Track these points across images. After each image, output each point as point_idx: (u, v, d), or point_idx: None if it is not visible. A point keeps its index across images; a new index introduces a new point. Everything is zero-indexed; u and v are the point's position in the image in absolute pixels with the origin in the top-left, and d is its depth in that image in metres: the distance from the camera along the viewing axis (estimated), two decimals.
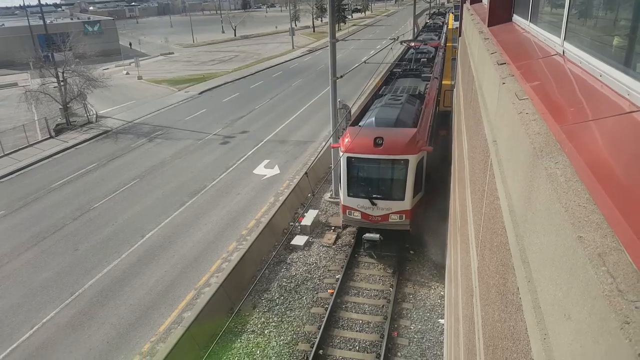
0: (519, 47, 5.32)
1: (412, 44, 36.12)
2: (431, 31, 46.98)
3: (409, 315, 13.15)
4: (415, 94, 19.46)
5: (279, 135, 29.24)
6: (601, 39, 3.11)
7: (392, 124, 15.49)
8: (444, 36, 43.60)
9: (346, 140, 14.97)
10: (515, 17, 6.96)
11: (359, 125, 15.84)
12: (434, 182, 17.31)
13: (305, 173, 18.42)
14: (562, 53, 3.71)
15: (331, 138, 17.92)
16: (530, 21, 5.52)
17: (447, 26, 53.71)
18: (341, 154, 14.88)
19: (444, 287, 13.79)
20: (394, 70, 25.85)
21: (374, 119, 15.97)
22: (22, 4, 63.48)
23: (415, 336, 12.39)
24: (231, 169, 24.00)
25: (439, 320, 12.87)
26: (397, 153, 14.31)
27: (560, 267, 1.75)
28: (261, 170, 23.62)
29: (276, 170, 23.42)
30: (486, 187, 4.60)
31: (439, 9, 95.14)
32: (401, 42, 27.07)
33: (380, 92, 20.62)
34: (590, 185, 1.78)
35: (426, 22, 62.60)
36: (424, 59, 27.08)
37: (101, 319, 13.55)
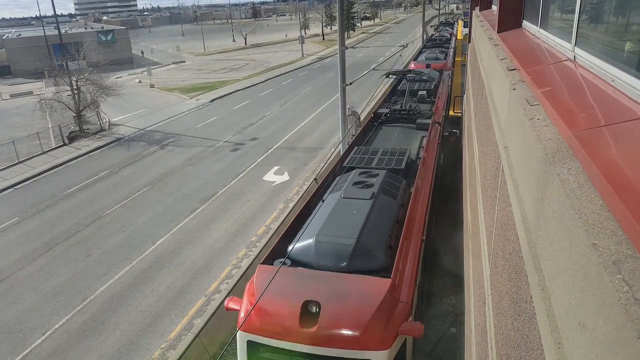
0: (529, 53, 5.29)
1: (412, 65, 28.48)
2: (436, 46, 37.77)
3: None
4: (399, 167, 11.45)
5: (288, 142, 29.31)
6: (613, 44, 3.09)
7: (344, 261, 7.69)
8: (451, 52, 35.75)
9: (246, 303, 7.45)
10: (525, 23, 6.94)
11: (280, 261, 7.85)
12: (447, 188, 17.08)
13: (315, 179, 18.41)
14: (573, 58, 3.68)
15: (340, 145, 17.82)
16: (540, 27, 5.50)
17: (456, 37, 47.06)
18: (238, 330, 7.25)
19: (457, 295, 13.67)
20: (378, 111, 17.45)
21: (312, 243, 8.01)
22: (38, 15, 64.61)
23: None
24: (241, 175, 24.08)
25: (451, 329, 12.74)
26: (348, 344, 6.75)
27: (574, 275, 1.73)
28: (271, 176, 23.67)
29: (286, 177, 23.45)
30: (498, 193, 4.56)
31: (446, 18, 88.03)
32: (388, 75, 20.23)
33: (345, 163, 12.20)
34: (604, 192, 1.75)
35: (431, 35, 51.56)
36: (422, 91, 19.54)
37: (112, 326, 13.61)
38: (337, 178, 11.36)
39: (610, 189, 1.67)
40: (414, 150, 13.29)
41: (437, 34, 49.27)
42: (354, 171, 11.05)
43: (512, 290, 3.20)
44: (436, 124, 15.63)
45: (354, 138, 15.46)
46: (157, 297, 14.69)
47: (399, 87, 21.00)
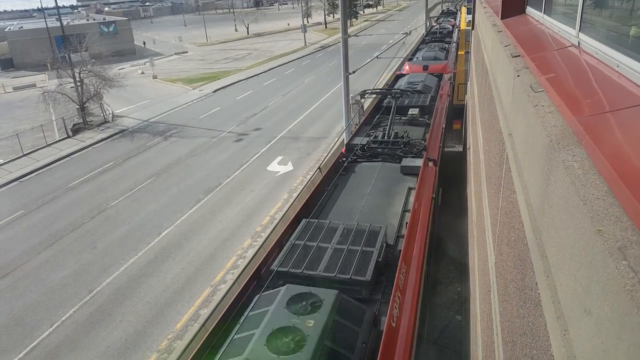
0: (533, 40, 5.25)
1: (406, 67, 23.30)
2: (436, 41, 31.64)
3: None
4: (363, 278, 6.52)
5: (292, 132, 29.28)
6: (617, 30, 3.06)
7: None
8: (454, 47, 29.87)
9: None
10: (529, 9, 6.88)
11: None
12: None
13: (319, 168, 18.41)
14: (577, 44, 3.65)
15: (344, 134, 17.75)
16: (544, 13, 5.44)
17: (459, 28, 41.04)
18: None
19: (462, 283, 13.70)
20: (353, 141, 12.87)
21: None
22: (39, 7, 64.45)
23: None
24: (245, 166, 24.09)
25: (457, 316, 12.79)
26: None
27: (580, 262, 1.72)
28: (275, 167, 23.68)
29: (289, 167, 23.46)
30: (502, 180, 4.55)
31: (448, 7, 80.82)
32: (362, 96, 16.20)
33: (274, 265, 6.95)
34: (609, 178, 1.74)
35: (431, 27, 43.92)
36: (414, 109, 14.74)
37: (119, 317, 13.72)
38: (256, 298, 6.27)
39: (615, 175, 1.67)
40: (394, 219, 8.72)
41: (437, 26, 42.39)
42: (283, 289, 6.22)
43: (518, 278, 3.20)
44: (430, 163, 10.93)
45: (308, 197, 9.72)
46: (163, 288, 14.79)
47: (384, 103, 16.11)
